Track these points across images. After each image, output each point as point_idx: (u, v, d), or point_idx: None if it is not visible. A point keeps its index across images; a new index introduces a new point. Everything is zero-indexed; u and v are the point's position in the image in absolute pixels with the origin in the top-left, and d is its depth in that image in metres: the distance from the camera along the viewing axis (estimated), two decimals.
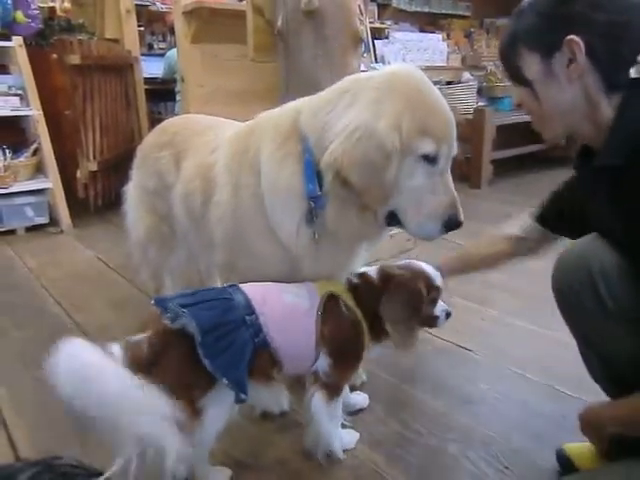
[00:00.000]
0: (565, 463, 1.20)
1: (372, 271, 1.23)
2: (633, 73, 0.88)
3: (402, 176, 1.03)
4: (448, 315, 1.25)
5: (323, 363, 1.13)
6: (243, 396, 1.02)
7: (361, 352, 1.17)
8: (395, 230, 1.37)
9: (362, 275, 1.22)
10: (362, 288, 1.19)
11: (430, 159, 1.03)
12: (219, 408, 1.05)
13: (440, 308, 1.24)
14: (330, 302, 1.14)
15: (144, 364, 0.98)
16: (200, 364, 0.99)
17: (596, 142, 0.96)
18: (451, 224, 1.06)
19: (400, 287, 1.17)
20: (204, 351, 0.99)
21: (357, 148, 0.99)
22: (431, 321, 1.24)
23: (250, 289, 1.11)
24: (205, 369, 0.99)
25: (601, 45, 0.88)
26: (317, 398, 1.16)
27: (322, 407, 1.16)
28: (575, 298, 1.08)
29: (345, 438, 1.27)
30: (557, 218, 1.24)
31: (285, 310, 1.11)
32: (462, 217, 1.07)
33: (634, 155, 0.87)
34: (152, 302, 1.06)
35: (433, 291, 1.22)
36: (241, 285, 1.13)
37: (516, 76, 1.01)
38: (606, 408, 1.07)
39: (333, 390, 1.17)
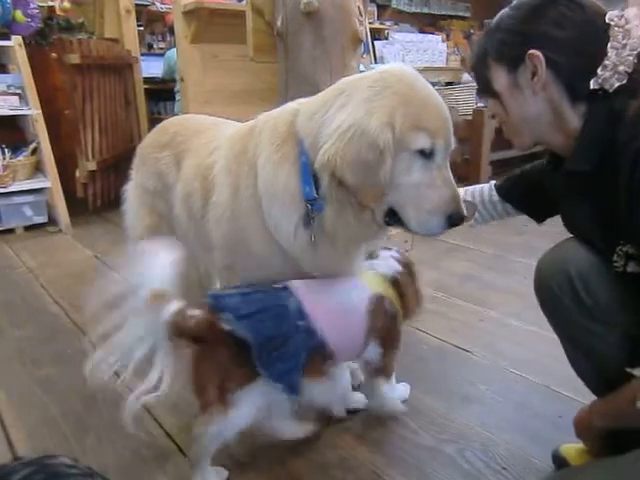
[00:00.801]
0: (561, 464, 1.20)
1: (396, 262, 1.34)
2: (592, 84, 0.92)
3: (399, 172, 1.02)
4: None
5: (374, 352, 1.24)
6: (295, 396, 1.11)
7: (399, 336, 1.30)
8: (394, 231, 1.38)
9: (394, 274, 1.31)
10: (397, 278, 1.30)
11: (426, 153, 1.02)
12: (251, 404, 1.09)
13: None
14: (378, 301, 1.22)
15: (188, 335, 1.08)
16: (245, 357, 1.05)
17: (564, 149, 1.02)
18: (454, 219, 1.05)
19: (413, 278, 1.35)
20: (260, 362, 1.06)
21: (350, 147, 0.99)
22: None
23: (302, 291, 1.16)
24: (249, 364, 1.05)
25: (562, 58, 0.94)
26: (380, 384, 1.30)
27: (386, 389, 1.31)
28: (557, 301, 1.09)
29: (401, 392, 1.47)
30: (521, 194, 1.29)
31: (337, 309, 1.18)
32: (465, 211, 1.07)
33: (602, 160, 0.93)
34: (207, 298, 1.12)
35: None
36: (293, 284, 1.17)
37: (486, 88, 1.07)
38: (595, 405, 1.10)
39: (388, 372, 1.31)
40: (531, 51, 0.94)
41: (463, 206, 1.06)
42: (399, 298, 1.28)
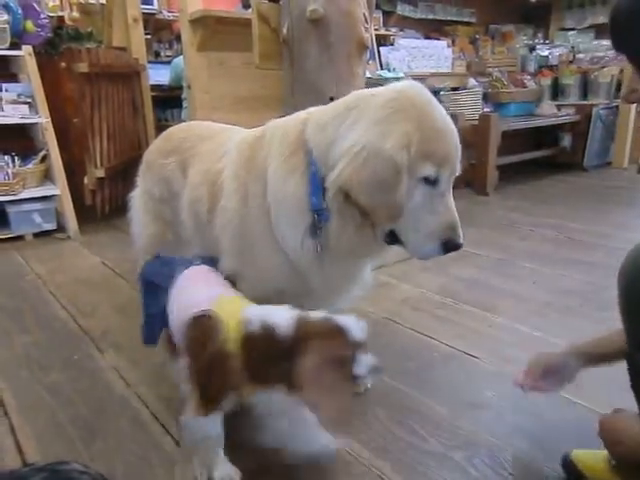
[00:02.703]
0: (571, 470, 1.19)
1: (282, 320, 1.01)
2: None
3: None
4: (375, 370, 1.02)
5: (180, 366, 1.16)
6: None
7: (221, 386, 1.04)
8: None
9: (265, 324, 1.01)
10: (262, 336, 1.00)
11: (431, 181, 1.03)
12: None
13: (364, 365, 1.00)
14: (204, 319, 1.07)
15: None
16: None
17: None
18: (449, 246, 1.07)
19: (322, 350, 0.96)
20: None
21: (365, 168, 1.00)
22: (354, 380, 1.02)
23: (185, 274, 1.25)
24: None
25: None
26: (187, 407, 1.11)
27: (188, 419, 1.11)
28: None
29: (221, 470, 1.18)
30: None
31: (180, 305, 1.19)
32: (462, 240, 1.07)
33: None
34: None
35: (357, 349, 1.00)
36: (192, 267, 1.27)
37: None
38: None
39: (195, 403, 1.08)
40: None
41: (461, 233, 1.07)
42: (245, 353, 1.00)
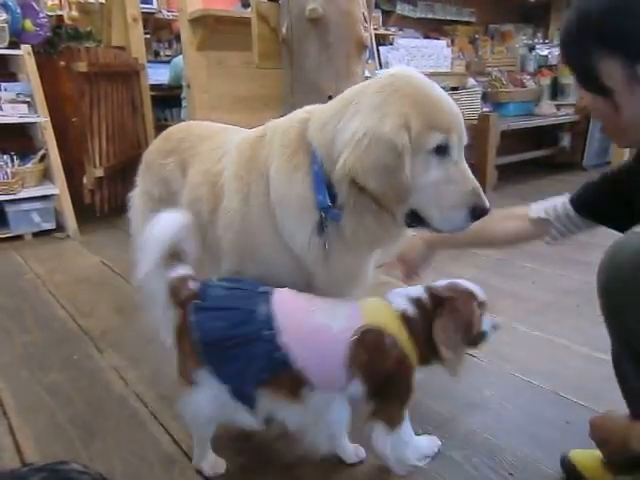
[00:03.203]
0: (570, 470, 1.19)
1: (421, 294, 1.16)
2: None
3: (418, 174, 1.03)
4: (495, 328, 1.20)
5: (356, 390, 1.09)
6: (248, 407, 1.09)
7: (408, 384, 1.12)
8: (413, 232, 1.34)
9: (415, 300, 1.14)
10: (415, 314, 1.12)
11: (441, 151, 1.03)
12: (208, 392, 1.09)
13: (487, 323, 1.18)
14: (370, 334, 1.08)
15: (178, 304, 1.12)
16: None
17: None
18: (477, 212, 1.04)
19: (454, 311, 1.12)
20: (207, 358, 1.06)
21: (369, 154, 1.00)
22: (480, 338, 1.18)
23: (279, 301, 1.10)
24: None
25: None
26: (379, 432, 1.13)
27: (383, 440, 1.14)
28: (624, 293, 0.95)
29: (421, 447, 1.25)
30: (598, 205, 1.17)
31: (312, 330, 1.08)
32: (487, 204, 1.05)
33: None
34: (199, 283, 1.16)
35: (482, 308, 1.17)
36: (276, 293, 1.12)
37: (590, 82, 0.94)
38: (637, 426, 0.98)
39: (389, 420, 1.13)
40: None
41: (484, 197, 1.05)
42: (412, 338, 1.10)
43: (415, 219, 1.09)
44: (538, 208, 1.28)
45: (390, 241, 1.20)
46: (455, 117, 1.05)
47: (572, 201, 1.22)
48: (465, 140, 1.07)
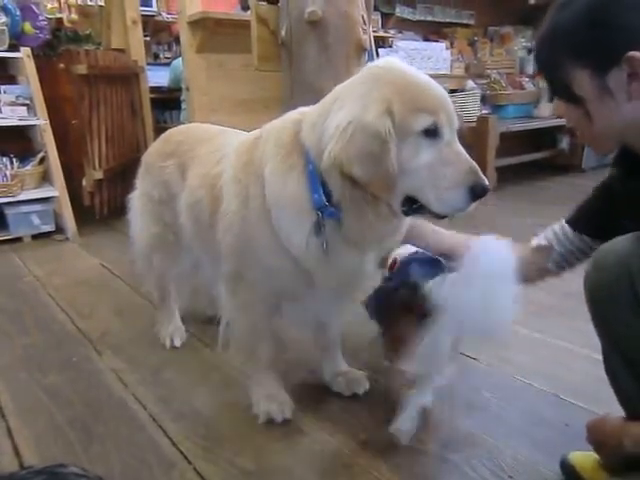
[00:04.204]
0: (569, 472, 1.18)
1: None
2: None
3: (409, 157, 1.02)
4: None
5: None
6: None
7: None
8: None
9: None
10: None
11: (431, 133, 1.01)
12: None
13: None
14: None
15: None
16: None
17: None
18: (477, 190, 1.02)
19: None
20: None
21: (352, 142, 0.99)
22: None
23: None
24: None
25: None
26: None
27: None
28: (610, 298, 0.97)
29: None
30: (593, 219, 1.16)
31: None
32: (487, 182, 1.03)
33: None
34: None
35: None
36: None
37: (563, 92, 0.96)
38: (631, 427, 1.00)
39: None
40: (631, 53, 0.82)
41: (483, 176, 1.02)
42: None
43: (411, 207, 1.08)
44: (538, 237, 1.26)
45: (391, 235, 1.20)
46: (441, 99, 1.04)
47: (569, 221, 1.20)
48: (456, 122, 1.06)
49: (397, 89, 1.01)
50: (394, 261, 1.37)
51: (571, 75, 0.91)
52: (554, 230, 1.22)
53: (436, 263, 1.28)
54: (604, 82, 0.88)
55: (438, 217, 1.10)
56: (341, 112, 1.04)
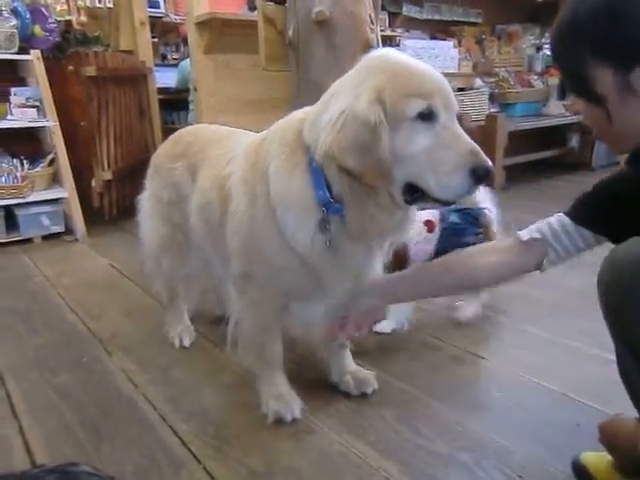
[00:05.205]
0: (581, 473, 1.17)
1: None
2: None
3: (405, 143, 1.00)
4: None
5: None
6: None
7: None
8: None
9: None
10: None
11: (427, 117, 0.99)
12: None
13: None
14: None
15: None
16: None
17: None
18: (479, 173, 0.98)
19: None
20: None
21: (344, 132, 0.99)
22: None
23: None
24: None
25: None
26: None
27: None
28: (625, 298, 0.94)
29: None
30: (598, 213, 1.09)
31: None
32: (489, 162, 0.99)
33: None
34: None
35: None
36: None
37: (581, 89, 0.92)
38: None
39: None
40: None
41: (485, 157, 0.98)
42: None
43: (413, 195, 1.06)
44: (529, 229, 1.19)
45: (396, 228, 1.17)
46: (437, 82, 1.03)
47: (568, 214, 1.14)
48: (455, 105, 1.04)
49: (389, 77, 1.01)
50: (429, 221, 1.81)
51: (591, 72, 0.88)
52: (550, 223, 1.16)
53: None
54: (627, 80, 0.84)
55: (442, 203, 1.08)
56: (336, 105, 1.04)
